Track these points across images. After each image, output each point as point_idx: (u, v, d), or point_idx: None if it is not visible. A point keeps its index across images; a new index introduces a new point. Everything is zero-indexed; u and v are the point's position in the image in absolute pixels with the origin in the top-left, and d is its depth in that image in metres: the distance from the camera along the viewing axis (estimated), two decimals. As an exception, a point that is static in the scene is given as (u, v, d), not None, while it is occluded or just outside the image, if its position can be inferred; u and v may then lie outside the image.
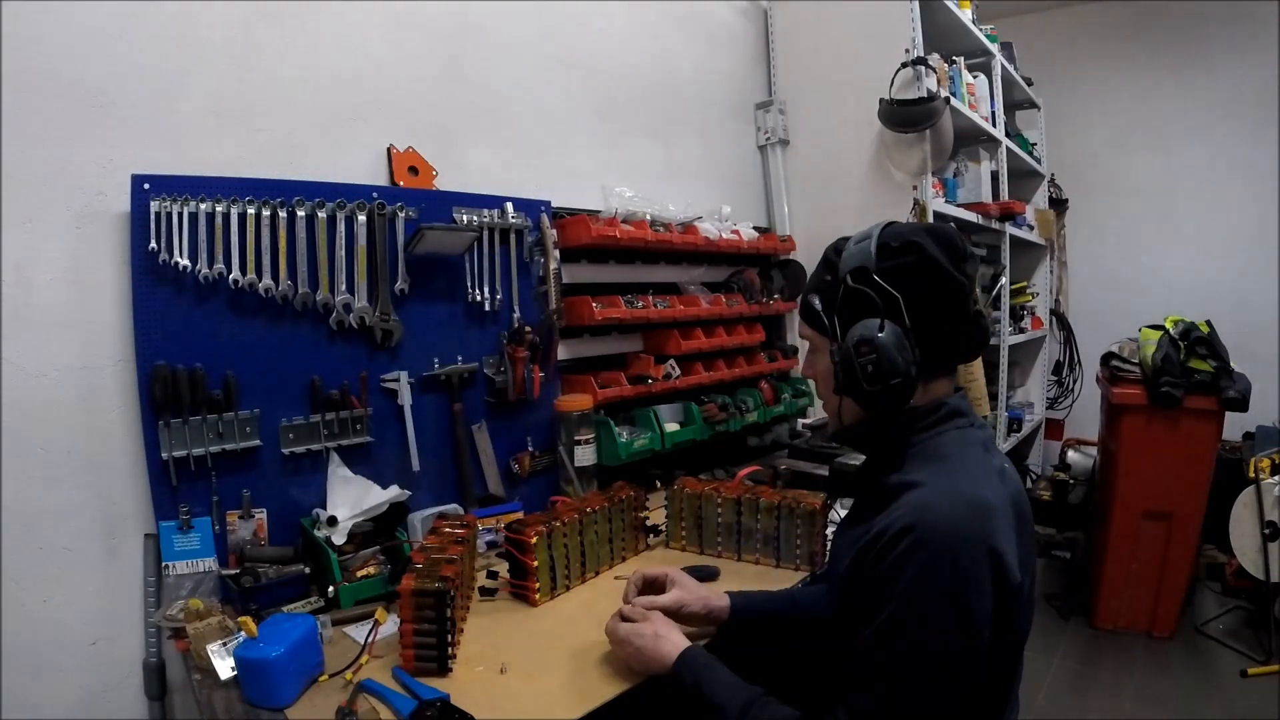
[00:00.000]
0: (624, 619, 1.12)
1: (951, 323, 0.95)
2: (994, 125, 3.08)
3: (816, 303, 1.01)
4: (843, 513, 1.67)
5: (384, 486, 1.52)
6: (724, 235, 2.26)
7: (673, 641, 1.05)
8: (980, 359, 2.53)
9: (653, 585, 1.22)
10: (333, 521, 1.40)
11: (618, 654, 1.11)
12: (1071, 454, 3.75)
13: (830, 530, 1.54)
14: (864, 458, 1.09)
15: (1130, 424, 2.81)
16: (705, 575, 1.44)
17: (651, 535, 1.64)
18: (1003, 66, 3.29)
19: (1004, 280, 3.07)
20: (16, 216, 1.22)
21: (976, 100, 2.94)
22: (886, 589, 0.83)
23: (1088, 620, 3.01)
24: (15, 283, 1.22)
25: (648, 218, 2.04)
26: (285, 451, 1.47)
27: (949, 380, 1.00)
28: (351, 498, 1.46)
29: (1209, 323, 2.84)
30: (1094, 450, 3.55)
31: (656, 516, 1.65)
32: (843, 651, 0.90)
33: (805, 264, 2.65)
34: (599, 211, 1.98)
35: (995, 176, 3.12)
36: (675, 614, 1.16)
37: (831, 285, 0.98)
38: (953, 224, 2.45)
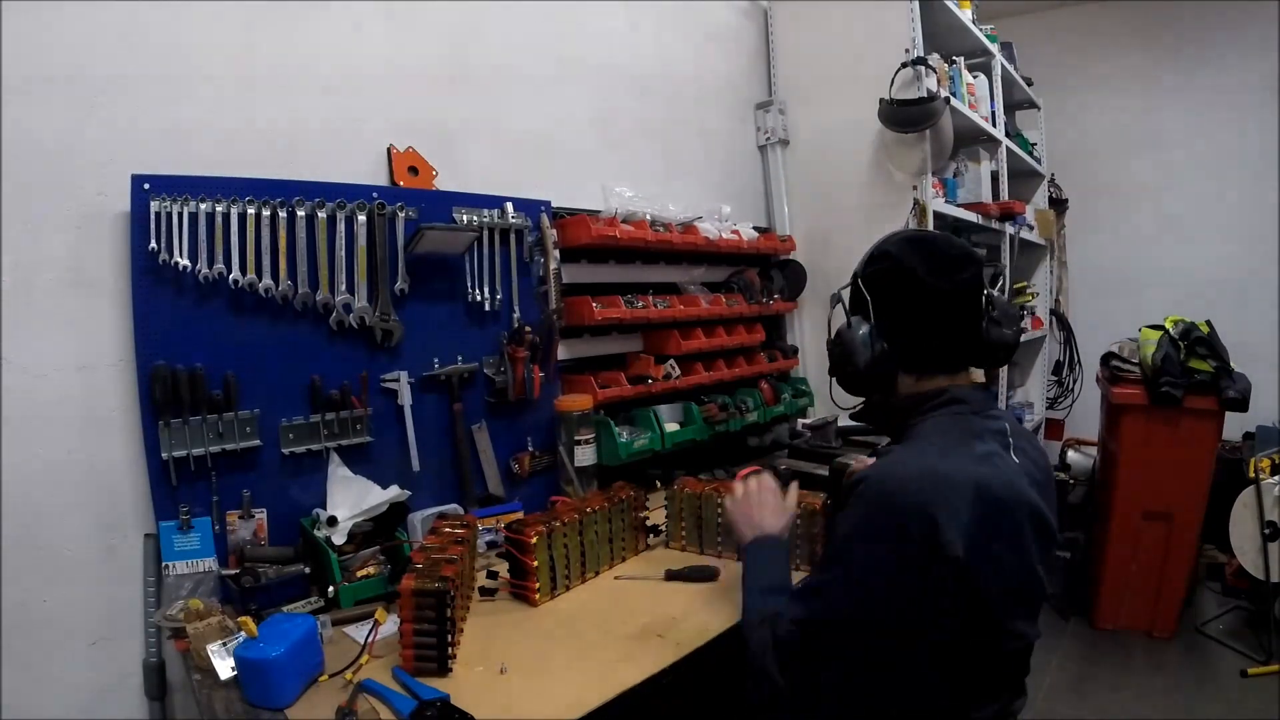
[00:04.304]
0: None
1: (926, 327, 1.05)
2: (994, 125, 3.07)
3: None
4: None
5: (384, 486, 1.52)
6: (724, 235, 2.26)
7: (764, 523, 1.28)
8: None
9: None
10: (333, 521, 1.40)
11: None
12: (1071, 454, 3.74)
13: (830, 530, 1.55)
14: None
15: (1130, 424, 2.81)
16: (704, 575, 1.44)
17: (651, 535, 1.64)
18: (1003, 66, 3.29)
19: (1004, 280, 3.06)
20: (16, 216, 1.22)
21: (976, 100, 2.93)
22: (836, 529, 1.01)
23: (1088, 620, 3.01)
24: (15, 283, 1.22)
25: (648, 218, 2.04)
26: (285, 451, 1.47)
27: (948, 379, 1.07)
28: (351, 498, 1.46)
29: (1209, 323, 2.84)
30: (1094, 450, 3.55)
31: (656, 516, 1.65)
32: None
33: (805, 264, 2.65)
34: (599, 211, 1.98)
35: (995, 176, 3.12)
36: None
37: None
38: (946, 230, 2.46)
